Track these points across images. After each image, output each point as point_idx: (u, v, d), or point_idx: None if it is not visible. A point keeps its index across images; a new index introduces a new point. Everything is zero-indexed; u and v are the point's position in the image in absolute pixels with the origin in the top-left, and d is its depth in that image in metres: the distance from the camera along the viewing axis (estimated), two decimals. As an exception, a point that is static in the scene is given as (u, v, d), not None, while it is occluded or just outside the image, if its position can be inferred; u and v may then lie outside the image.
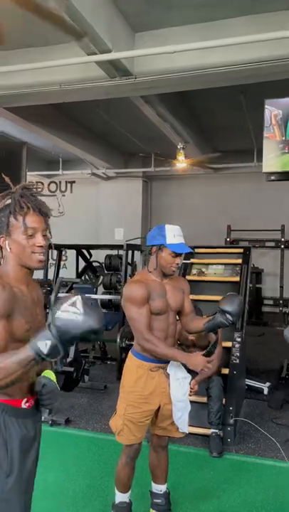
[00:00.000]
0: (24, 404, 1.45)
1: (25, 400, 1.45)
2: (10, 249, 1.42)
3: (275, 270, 9.18)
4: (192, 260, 4.93)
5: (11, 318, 1.35)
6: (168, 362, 2.27)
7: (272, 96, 4.31)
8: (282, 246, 8.94)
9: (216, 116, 6.99)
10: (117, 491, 2.38)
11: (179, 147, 6.94)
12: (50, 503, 2.57)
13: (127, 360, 2.36)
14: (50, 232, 1.48)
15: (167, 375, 2.27)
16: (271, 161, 4.18)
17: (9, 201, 1.43)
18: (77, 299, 1.20)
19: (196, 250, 5.08)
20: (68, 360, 4.01)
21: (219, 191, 9.68)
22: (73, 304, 1.19)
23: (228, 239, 9.03)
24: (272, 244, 9.09)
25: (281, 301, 8.95)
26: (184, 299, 2.37)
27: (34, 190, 1.51)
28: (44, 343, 1.18)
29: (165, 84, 4.76)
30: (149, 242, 2.30)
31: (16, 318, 1.37)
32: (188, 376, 2.30)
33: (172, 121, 6.36)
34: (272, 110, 4.15)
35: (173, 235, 2.22)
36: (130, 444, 2.31)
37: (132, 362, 2.32)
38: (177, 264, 2.24)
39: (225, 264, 4.88)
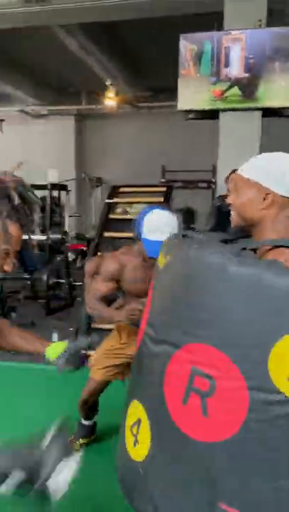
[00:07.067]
0: None
1: None
2: None
3: (207, 210, 9.46)
4: (115, 200, 5.03)
5: None
6: None
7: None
8: (214, 187, 9.16)
9: (144, 51, 6.74)
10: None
11: (107, 84, 6.75)
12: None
13: None
14: None
15: None
16: (187, 98, 4.16)
17: None
18: None
19: (121, 190, 5.18)
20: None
21: (154, 131, 9.59)
22: None
23: (162, 180, 9.10)
24: (205, 185, 9.29)
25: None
26: None
27: None
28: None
29: (85, 12, 4.55)
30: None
31: None
32: None
33: (97, 55, 6.12)
34: (186, 45, 4.05)
35: (150, 228, 1.80)
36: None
37: None
38: None
39: (148, 202, 4.99)
